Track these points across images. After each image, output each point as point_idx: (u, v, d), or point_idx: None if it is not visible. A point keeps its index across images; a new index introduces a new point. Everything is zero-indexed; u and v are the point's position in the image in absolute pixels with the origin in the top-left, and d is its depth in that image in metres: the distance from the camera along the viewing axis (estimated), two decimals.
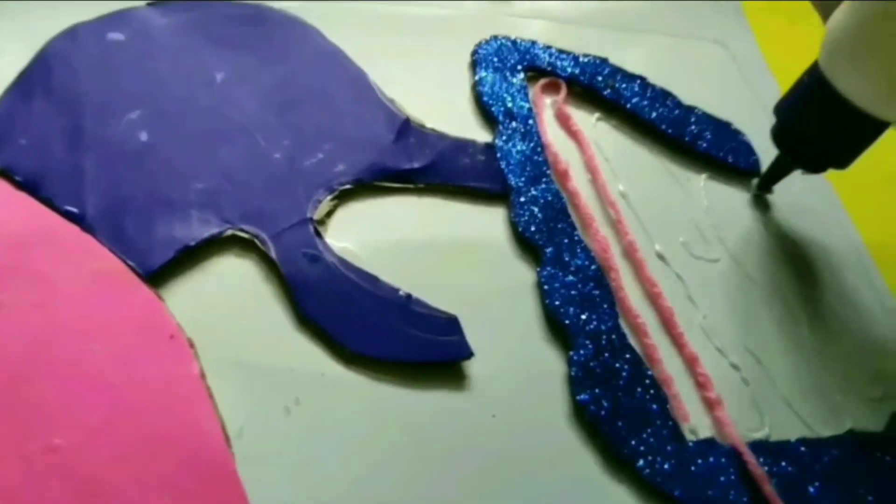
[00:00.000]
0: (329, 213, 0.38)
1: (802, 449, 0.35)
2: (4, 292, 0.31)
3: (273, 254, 0.35)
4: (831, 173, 0.42)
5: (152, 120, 0.38)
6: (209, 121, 0.39)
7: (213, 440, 0.30)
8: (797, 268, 0.43)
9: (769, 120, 0.42)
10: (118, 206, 0.35)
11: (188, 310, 0.33)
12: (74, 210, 0.34)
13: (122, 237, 0.34)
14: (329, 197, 0.38)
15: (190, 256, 0.35)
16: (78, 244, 0.34)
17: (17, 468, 0.28)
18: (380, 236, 0.38)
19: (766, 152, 0.44)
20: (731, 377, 0.37)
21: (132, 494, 0.28)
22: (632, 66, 0.49)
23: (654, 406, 0.35)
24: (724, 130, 0.47)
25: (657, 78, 0.48)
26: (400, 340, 0.34)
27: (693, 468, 0.33)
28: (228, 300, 0.34)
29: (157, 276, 0.34)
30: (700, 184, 0.45)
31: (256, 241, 0.36)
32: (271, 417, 0.32)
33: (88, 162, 0.36)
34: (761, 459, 0.34)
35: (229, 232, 0.36)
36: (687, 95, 0.48)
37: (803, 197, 0.46)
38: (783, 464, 0.34)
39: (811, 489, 0.34)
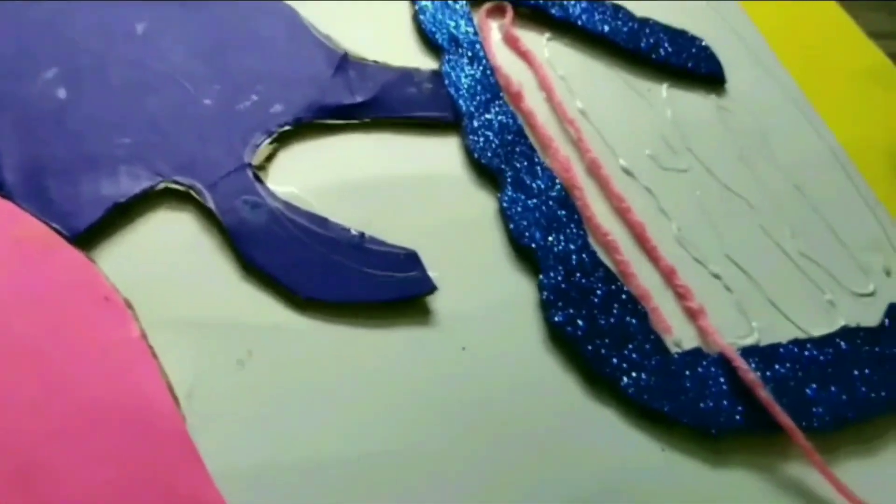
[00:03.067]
0: (269, 158, 0.35)
1: (795, 350, 0.33)
2: None
3: (211, 204, 0.33)
4: (797, 74, 0.40)
5: (70, 77, 0.36)
6: (132, 73, 0.36)
7: (160, 403, 0.28)
8: (772, 171, 0.41)
9: (731, 32, 0.40)
10: (39, 168, 0.32)
11: (123, 270, 0.31)
12: None
13: (44, 200, 0.31)
14: (268, 140, 0.36)
15: (121, 214, 0.32)
16: None
17: None
18: (327, 177, 0.36)
19: (728, 62, 0.43)
20: (712, 286, 0.36)
21: (74, 470, 0.26)
22: None
23: (634, 321, 0.33)
24: (680, 38, 0.45)
25: None
26: (355, 281, 0.32)
27: (680, 381, 0.31)
28: (166, 256, 0.32)
29: (86, 237, 0.31)
30: (662, 94, 0.43)
31: (192, 191, 0.33)
32: (223, 374, 0.29)
33: (3, 123, 0.33)
34: (752, 365, 0.32)
35: (162, 185, 0.33)
36: (639, 10, 0.46)
37: (772, 100, 0.44)
38: (776, 367, 0.33)
39: (808, 391, 0.32)
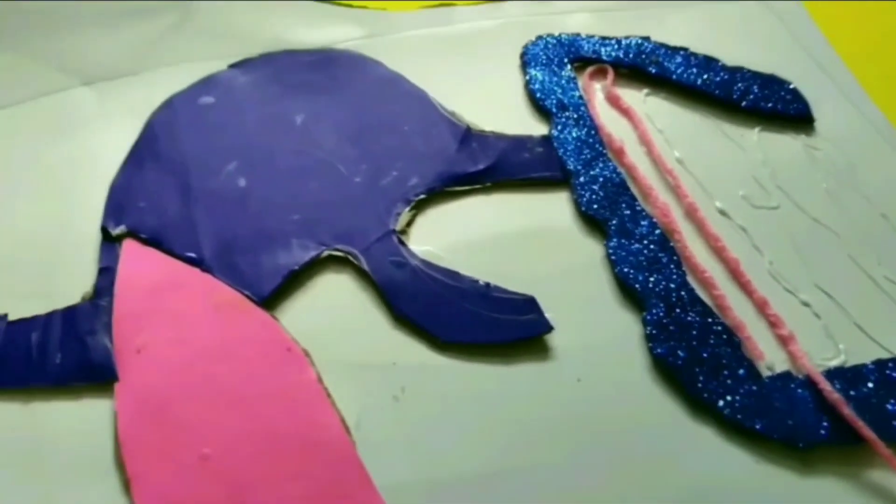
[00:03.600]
0: (409, 223, 0.42)
1: (878, 369, 0.37)
2: (146, 333, 0.37)
3: (365, 266, 0.40)
4: (884, 105, 0.43)
5: (247, 167, 0.44)
6: (295, 159, 0.44)
7: (334, 433, 0.35)
8: (859, 202, 0.44)
9: (818, 69, 0.43)
10: (229, 246, 0.40)
11: (300, 324, 0.38)
12: (193, 255, 0.40)
13: (236, 272, 0.39)
14: (407, 209, 0.42)
15: (295, 279, 0.40)
16: (200, 283, 0.39)
17: (175, 477, 0.33)
18: (456, 236, 0.42)
19: (816, 100, 0.46)
20: (802, 313, 0.40)
21: (273, 488, 0.33)
22: (676, 39, 0.51)
23: (728, 350, 0.37)
24: (770, 83, 0.49)
25: (702, 46, 0.51)
26: (485, 325, 0.38)
27: (771, 401, 0.36)
28: (333, 311, 0.39)
29: (270, 300, 0.39)
30: (754, 138, 0.47)
31: (350, 257, 0.40)
32: (382, 407, 0.36)
33: (199, 212, 0.42)
34: (837, 385, 0.36)
35: (326, 253, 0.40)
36: (731, 58, 0.50)
37: (859, 133, 0.47)
38: (860, 386, 0.36)
39: (889, 406, 0.36)
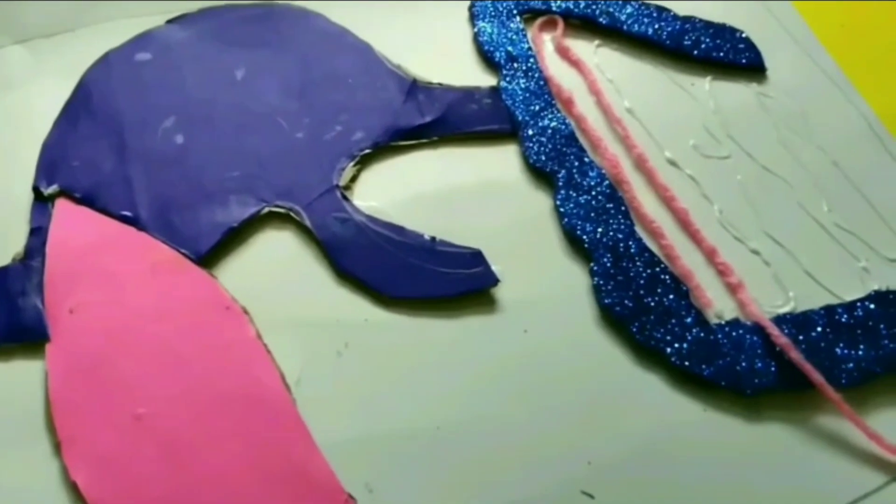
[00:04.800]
0: (353, 178, 0.41)
1: (826, 315, 0.37)
2: (80, 293, 0.36)
3: (308, 222, 0.39)
4: (836, 52, 0.43)
5: (185, 124, 0.42)
6: (235, 115, 0.43)
7: (274, 390, 0.34)
8: (811, 150, 0.44)
9: (771, 17, 0.43)
10: (166, 204, 0.39)
11: (239, 282, 0.37)
12: (129, 214, 0.39)
13: (173, 230, 0.38)
14: (351, 163, 0.41)
15: (235, 237, 0.39)
16: (136, 242, 0.38)
17: (110, 437, 0.32)
18: (402, 191, 0.41)
19: (769, 49, 0.46)
20: (751, 261, 0.39)
21: (209, 446, 0.33)
22: None
23: (677, 298, 0.37)
24: (722, 32, 0.48)
25: None
26: (430, 279, 0.38)
27: (719, 348, 0.35)
28: (273, 268, 0.38)
29: (208, 258, 0.38)
30: (706, 87, 0.46)
31: (291, 213, 0.39)
32: (325, 363, 0.35)
33: (134, 171, 0.40)
34: (786, 330, 0.36)
35: (266, 209, 0.39)
36: (683, 8, 0.49)
37: (811, 81, 0.47)
38: (808, 331, 0.36)
39: (837, 350, 0.35)
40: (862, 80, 0.46)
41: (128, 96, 0.43)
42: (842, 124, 0.45)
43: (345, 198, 0.40)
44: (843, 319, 0.36)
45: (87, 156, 0.41)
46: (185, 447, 0.33)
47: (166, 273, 0.37)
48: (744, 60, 0.47)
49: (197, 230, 0.38)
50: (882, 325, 0.36)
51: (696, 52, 0.47)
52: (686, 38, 0.48)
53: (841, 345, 0.35)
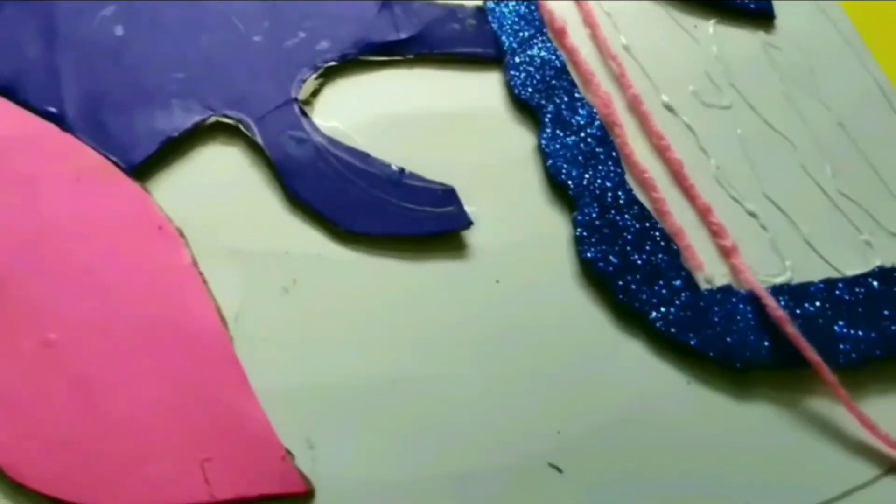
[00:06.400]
0: (315, 93, 0.37)
1: (826, 289, 0.34)
2: None
3: (259, 138, 0.34)
4: (850, 8, 0.39)
5: (127, 14, 0.37)
6: (185, 10, 0.38)
7: (208, 325, 0.30)
8: (817, 109, 0.41)
9: None
10: (97, 103, 0.34)
11: (176, 201, 0.33)
12: (53, 110, 0.34)
13: (103, 133, 0.34)
14: (314, 76, 0.37)
15: (174, 147, 0.34)
16: (59, 144, 0.33)
17: (12, 365, 0.28)
18: (369, 112, 0.37)
19: None
20: (748, 224, 0.36)
21: (127, 384, 0.28)
22: None
23: (666, 257, 0.34)
24: None
25: None
26: (395, 215, 0.34)
27: (709, 316, 0.32)
28: (216, 188, 0.34)
29: (142, 169, 0.33)
30: (709, 30, 0.42)
31: (241, 126, 0.35)
32: (268, 300, 0.31)
33: (64, 61, 0.35)
34: (782, 302, 0.33)
35: (212, 119, 0.35)
36: None
37: (822, 36, 0.43)
38: (806, 305, 0.33)
39: (836, 328, 0.32)
40: (877, 42, 0.43)
41: None
42: (851, 87, 0.42)
43: (304, 114, 0.35)
44: (845, 296, 0.33)
45: (11, 39, 0.35)
46: (100, 383, 0.28)
47: (92, 182, 0.32)
48: (752, 6, 0.43)
49: (131, 136, 0.34)
50: (885, 305, 0.33)
51: None
52: None
53: (840, 323, 0.32)
